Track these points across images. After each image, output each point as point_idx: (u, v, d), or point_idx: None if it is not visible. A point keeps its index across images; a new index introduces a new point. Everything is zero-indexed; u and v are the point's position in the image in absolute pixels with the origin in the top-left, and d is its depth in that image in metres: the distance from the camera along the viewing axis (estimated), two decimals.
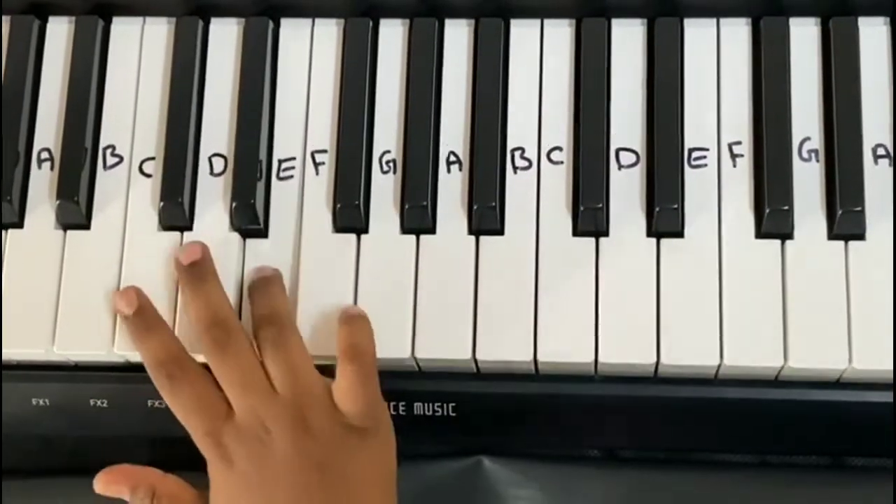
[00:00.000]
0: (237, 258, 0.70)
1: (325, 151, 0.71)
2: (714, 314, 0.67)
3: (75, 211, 0.71)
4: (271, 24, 0.73)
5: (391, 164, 0.71)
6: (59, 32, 0.74)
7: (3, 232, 0.71)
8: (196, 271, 0.68)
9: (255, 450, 0.65)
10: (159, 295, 0.69)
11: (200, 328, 0.67)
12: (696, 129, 0.70)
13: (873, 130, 0.69)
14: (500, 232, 0.69)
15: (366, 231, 0.70)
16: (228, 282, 0.69)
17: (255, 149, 0.71)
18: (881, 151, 0.69)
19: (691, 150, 0.70)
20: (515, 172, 0.70)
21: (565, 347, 0.68)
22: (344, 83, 0.72)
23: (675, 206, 0.68)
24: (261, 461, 0.65)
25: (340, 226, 0.70)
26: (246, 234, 0.71)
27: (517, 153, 0.70)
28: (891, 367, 0.66)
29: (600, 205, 0.68)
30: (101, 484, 0.68)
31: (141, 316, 0.68)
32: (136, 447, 0.75)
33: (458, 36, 0.72)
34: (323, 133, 0.72)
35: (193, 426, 0.67)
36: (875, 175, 0.68)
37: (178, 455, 0.74)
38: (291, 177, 0.71)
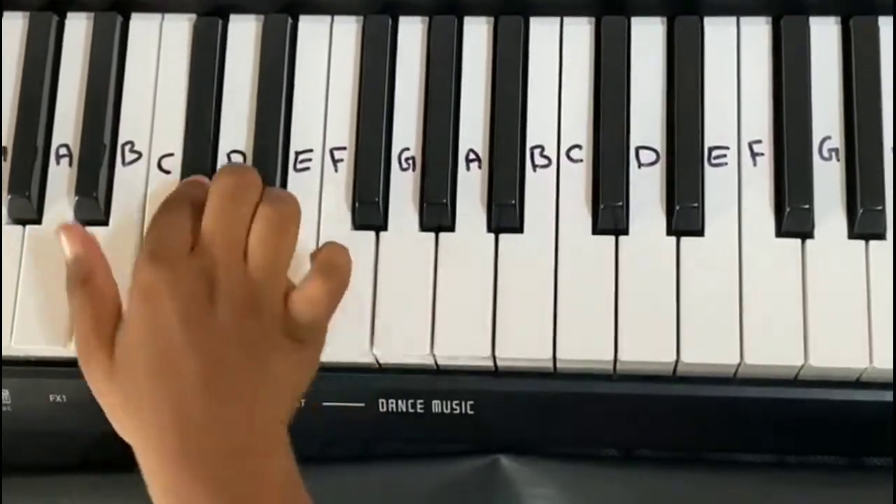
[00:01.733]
0: None
1: (343, 148, 0.71)
2: (734, 313, 0.67)
3: (94, 207, 0.71)
4: (290, 21, 0.73)
5: (410, 162, 0.71)
6: (78, 29, 0.74)
7: (22, 228, 0.71)
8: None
9: (196, 298, 0.62)
10: None
11: (226, 169, 0.65)
12: (717, 127, 0.70)
13: (892, 129, 0.69)
14: (520, 230, 0.69)
15: (385, 228, 0.70)
16: None
17: (275, 146, 0.71)
18: None
19: (711, 149, 0.69)
20: (535, 170, 0.70)
21: (584, 346, 0.68)
22: (363, 80, 0.72)
23: (696, 204, 0.68)
24: (196, 310, 0.62)
25: (359, 223, 0.70)
26: None
27: (537, 151, 0.70)
28: None
29: (620, 203, 0.68)
30: (62, 231, 0.66)
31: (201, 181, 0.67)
32: None
33: (477, 33, 0.72)
34: (342, 130, 0.72)
35: (150, 241, 0.64)
36: (893, 175, 0.68)
37: None
38: (308, 168, 0.71)
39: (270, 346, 0.62)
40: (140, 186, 0.71)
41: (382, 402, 0.70)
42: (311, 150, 0.71)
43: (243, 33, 0.73)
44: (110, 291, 0.65)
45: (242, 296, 0.62)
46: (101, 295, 0.65)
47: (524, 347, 0.68)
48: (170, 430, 0.60)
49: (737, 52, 0.71)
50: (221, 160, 0.72)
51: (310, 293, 0.63)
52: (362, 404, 0.71)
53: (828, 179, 0.68)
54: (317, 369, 0.65)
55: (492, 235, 0.69)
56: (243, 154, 0.72)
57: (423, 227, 0.70)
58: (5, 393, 0.71)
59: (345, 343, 0.68)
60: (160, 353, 0.61)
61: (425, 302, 0.69)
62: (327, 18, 0.73)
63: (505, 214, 0.69)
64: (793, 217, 0.67)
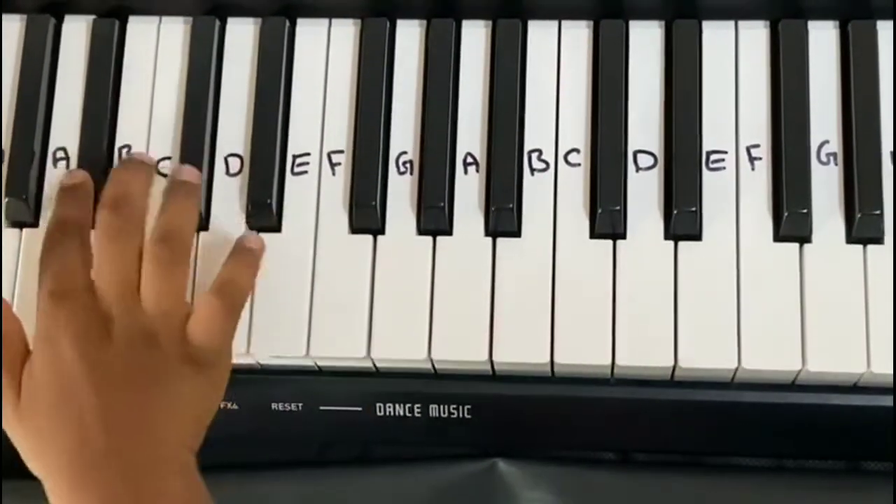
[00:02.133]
0: None
1: (341, 152, 0.71)
2: (732, 317, 0.67)
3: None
4: (288, 24, 0.73)
5: (408, 165, 0.71)
6: (76, 32, 0.74)
7: (19, 231, 0.71)
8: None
9: (93, 334, 0.64)
10: None
11: (107, 207, 0.67)
12: (715, 131, 0.70)
13: (891, 134, 0.69)
14: (517, 234, 0.69)
15: (382, 232, 0.70)
16: None
17: (272, 149, 0.70)
18: None
19: (709, 153, 0.69)
20: (533, 174, 0.70)
21: (582, 350, 0.68)
22: (360, 83, 0.72)
23: (693, 208, 0.68)
24: (93, 347, 0.63)
25: (357, 227, 0.70)
26: (260, 232, 0.71)
27: (534, 155, 0.70)
28: None
29: (618, 207, 0.68)
30: None
31: (75, 191, 0.69)
32: None
33: (475, 37, 0.72)
34: (339, 133, 0.72)
35: (45, 280, 0.65)
36: (892, 179, 0.68)
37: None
38: (306, 172, 0.71)
39: (170, 375, 0.64)
40: None
41: (380, 406, 0.70)
42: (308, 154, 0.71)
43: (241, 36, 0.73)
44: (14, 331, 0.66)
45: (137, 329, 0.64)
46: (7, 336, 0.66)
47: (521, 351, 0.68)
48: (72, 462, 0.62)
49: (735, 56, 0.71)
50: (219, 163, 0.71)
51: (204, 317, 0.65)
52: (360, 408, 0.71)
53: (826, 184, 0.68)
54: (224, 389, 0.66)
55: (489, 239, 0.69)
56: (241, 157, 0.71)
57: (421, 231, 0.70)
58: None
59: (342, 347, 0.68)
60: (61, 390, 0.63)
61: (423, 306, 0.69)
62: (325, 21, 0.73)
63: (503, 218, 0.69)
64: (791, 221, 0.67)
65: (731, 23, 0.71)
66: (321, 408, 0.71)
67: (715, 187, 0.69)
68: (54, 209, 0.69)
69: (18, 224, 0.71)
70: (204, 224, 0.71)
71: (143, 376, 0.64)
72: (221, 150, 0.72)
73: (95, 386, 0.63)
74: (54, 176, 0.72)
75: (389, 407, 0.70)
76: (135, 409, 0.63)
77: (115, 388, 0.63)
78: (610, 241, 0.69)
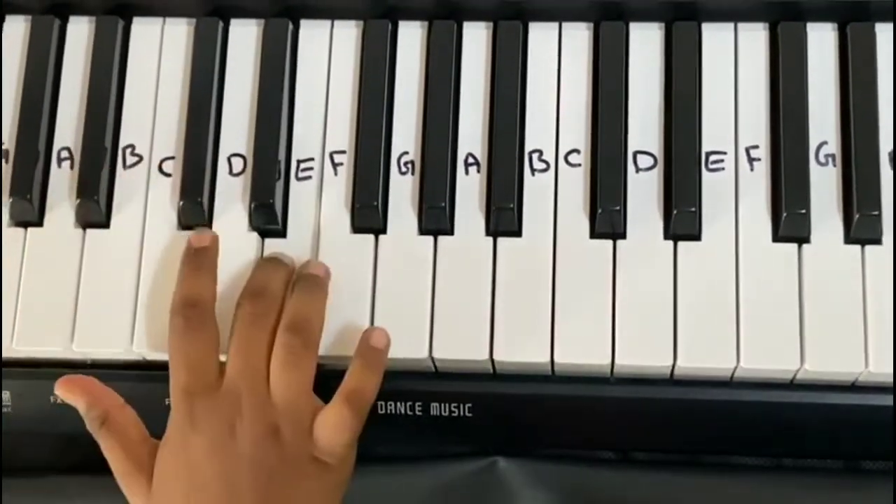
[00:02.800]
0: (255, 258, 0.71)
1: (343, 152, 0.72)
2: (731, 317, 0.67)
3: (95, 210, 0.71)
4: (291, 26, 0.73)
5: (409, 165, 0.71)
6: (80, 32, 0.74)
7: (24, 230, 0.72)
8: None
9: (221, 429, 0.65)
10: None
11: (247, 296, 0.67)
12: (714, 132, 0.70)
13: (889, 135, 0.69)
14: (518, 234, 0.70)
15: (384, 232, 0.70)
16: (246, 279, 0.69)
17: (275, 149, 0.71)
18: None
19: (709, 154, 0.70)
20: (533, 174, 0.70)
21: (582, 349, 0.68)
22: (363, 84, 0.72)
23: (693, 209, 0.68)
24: (221, 442, 0.65)
25: (359, 226, 0.70)
26: (264, 233, 0.71)
27: (535, 155, 0.71)
28: None
29: (618, 207, 0.68)
30: (61, 389, 0.68)
31: (201, 255, 0.69)
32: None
33: (476, 38, 0.73)
34: (342, 134, 0.72)
35: (178, 379, 0.66)
36: (891, 179, 0.69)
37: None
38: (310, 177, 0.72)
39: (293, 473, 0.65)
40: (141, 189, 0.72)
41: (381, 405, 0.70)
42: (310, 154, 0.72)
43: (244, 37, 0.74)
44: (128, 422, 0.67)
45: (265, 424, 0.65)
46: (121, 429, 0.67)
47: (522, 351, 0.68)
48: None
49: (734, 58, 0.71)
50: (222, 164, 0.72)
51: (332, 423, 0.66)
52: None
53: (824, 185, 0.69)
54: (346, 487, 0.67)
55: (490, 239, 0.70)
56: (243, 157, 0.72)
57: (422, 231, 0.70)
58: (6, 395, 0.72)
59: (343, 346, 0.69)
60: (191, 486, 0.64)
61: (424, 305, 0.69)
62: (328, 23, 0.74)
63: (503, 218, 0.69)
64: (789, 222, 0.68)
65: (731, 25, 0.72)
66: None
67: (714, 188, 0.69)
68: (183, 279, 0.68)
69: (23, 224, 0.72)
70: (207, 223, 0.71)
71: (265, 472, 0.64)
72: (224, 150, 0.72)
73: (221, 480, 0.64)
74: (59, 176, 0.72)
75: (390, 405, 0.70)
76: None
77: (239, 483, 0.64)
78: (610, 241, 0.69)
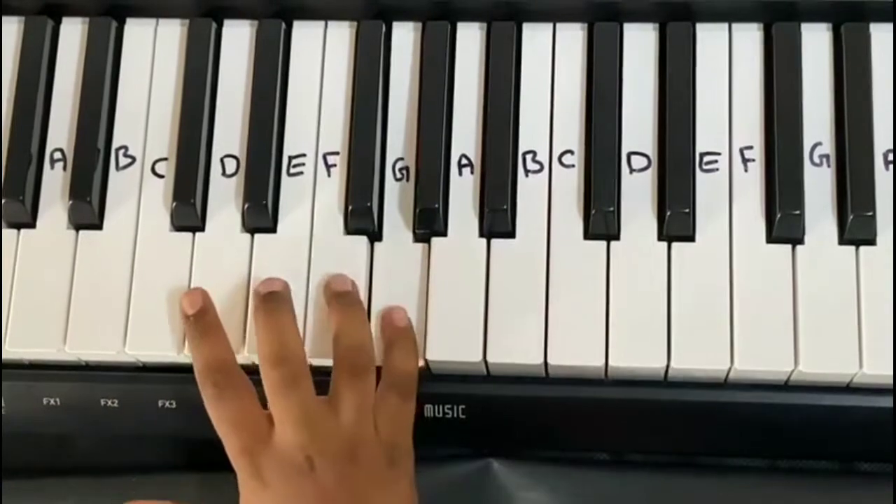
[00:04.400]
0: (247, 258, 0.70)
1: (336, 153, 0.72)
2: (725, 318, 0.67)
3: (88, 211, 0.71)
4: (284, 26, 0.73)
5: (404, 168, 0.71)
6: (73, 33, 0.74)
7: (17, 232, 0.71)
8: (273, 302, 0.68)
9: (293, 476, 0.65)
10: (170, 295, 0.70)
11: (269, 364, 0.67)
12: (708, 133, 0.70)
13: (884, 136, 0.69)
14: (512, 235, 0.70)
15: (378, 233, 0.70)
16: (240, 281, 0.70)
17: (268, 150, 0.71)
18: (892, 157, 0.69)
19: (703, 155, 0.70)
20: (527, 176, 0.70)
21: (576, 350, 0.68)
22: (356, 85, 0.72)
23: (687, 210, 0.68)
24: (299, 486, 0.65)
25: (352, 228, 0.70)
26: (256, 230, 0.71)
27: (529, 156, 0.71)
28: None
29: (612, 208, 0.68)
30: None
31: (201, 319, 0.68)
32: (147, 447, 0.76)
33: (470, 39, 0.73)
34: (335, 135, 0.72)
35: (231, 442, 0.66)
36: (885, 180, 0.69)
37: (187, 455, 0.75)
38: (301, 173, 0.71)
39: (378, 486, 0.65)
40: (134, 191, 0.72)
41: None
42: (304, 155, 0.72)
43: (237, 38, 0.74)
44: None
45: (340, 450, 0.65)
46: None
47: (516, 352, 0.68)
48: None
49: (728, 59, 0.71)
50: (215, 165, 0.72)
51: (390, 411, 0.67)
52: None
53: (818, 185, 0.69)
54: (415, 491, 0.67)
55: (484, 240, 0.70)
56: (237, 158, 0.72)
57: (417, 233, 0.70)
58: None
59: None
60: None
61: (418, 306, 0.69)
62: (321, 24, 0.74)
63: (497, 219, 0.69)
64: (784, 223, 0.68)
65: (725, 25, 0.71)
66: None
67: (708, 189, 0.69)
68: (197, 347, 0.68)
69: (15, 225, 0.72)
70: (200, 224, 0.71)
71: (359, 496, 0.65)
72: (218, 151, 0.72)
73: None
74: (51, 177, 0.72)
75: None
76: None
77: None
78: (604, 242, 0.69)
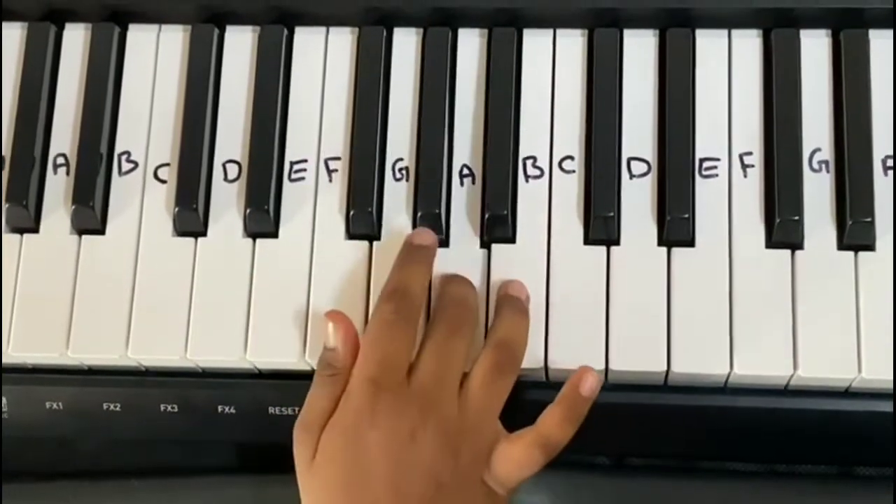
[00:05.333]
0: (249, 262, 0.71)
1: (338, 159, 0.72)
2: (724, 323, 0.68)
3: (90, 216, 0.71)
4: (286, 32, 0.73)
5: (404, 172, 0.71)
6: (76, 39, 0.75)
7: (20, 236, 0.72)
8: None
9: (402, 432, 0.64)
10: (172, 299, 0.70)
11: (448, 303, 0.66)
12: (708, 139, 0.70)
13: (883, 142, 0.69)
14: (512, 240, 0.70)
15: (378, 238, 0.71)
16: (241, 285, 0.70)
17: (270, 156, 0.71)
18: (891, 163, 0.69)
19: (702, 160, 0.70)
20: (527, 181, 0.71)
21: (576, 355, 0.68)
22: (357, 91, 0.72)
23: (686, 215, 0.68)
24: (399, 445, 0.63)
25: (353, 233, 0.71)
26: (257, 235, 0.71)
27: (529, 162, 0.71)
28: None
29: (612, 213, 0.69)
30: (331, 316, 0.67)
31: (423, 252, 0.68)
32: (149, 451, 0.76)
33: (471, 45, 0.73)
34: (336, 140, 0.72)
35: (367, 367, 0.65)
36: (884, 186, 0.69)
37: (190, 459, 0.75)
38: (303, 178, 0.72)
39: (462, 493, 0.64)
40: (136, 196, 0.72)
41: None
42: (305, 160, 0.72)
43: (239, 44, 0.74)
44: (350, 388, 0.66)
45: (448, 435, 0.64)
46: (338, 393, 0.66)
47: None
48: None
49: (728, 65, 0.71)
50: (217, 170, 0.72)
51: (521, 459, 0.65)
52: None
53: (817, 191, 0.69)
54: None
55: (484, 245, 0.70)
56: (239, 164, 0.72)
57: None
58: (1, 401, 0.72)
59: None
60: (359, 478, 0.63)
61: None
62: (322, 29, 0.74)
63: (497, 225, 0.69)
64: (783, 228, 0.68)
65: (725, 32, 0.72)
66: None
67: (708, 194, 0.69)
68: (400, 268, 0.67)
69: (18, 230, 0.72)
70: (202, 229, 0.71)
71: (439, 489, 0.63)
72: (220, 156, 0.72)
73: (390, 483, 0.63)
74: (54, 182, 0.72)
75: None
76: None
77: (408, 488, 0.63)
78: (604, 248, 0.69)
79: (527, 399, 0.69)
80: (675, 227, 0.68)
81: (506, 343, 0.66)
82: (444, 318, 0.66)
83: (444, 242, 0.70)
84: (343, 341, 0.66)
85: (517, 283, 0.68)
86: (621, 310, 0.68)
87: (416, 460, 0.63)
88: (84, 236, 0.72)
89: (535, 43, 0.73)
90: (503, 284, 0.69)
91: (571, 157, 0.71)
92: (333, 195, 0.71)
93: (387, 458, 0.63)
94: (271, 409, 0.71)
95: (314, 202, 0.71)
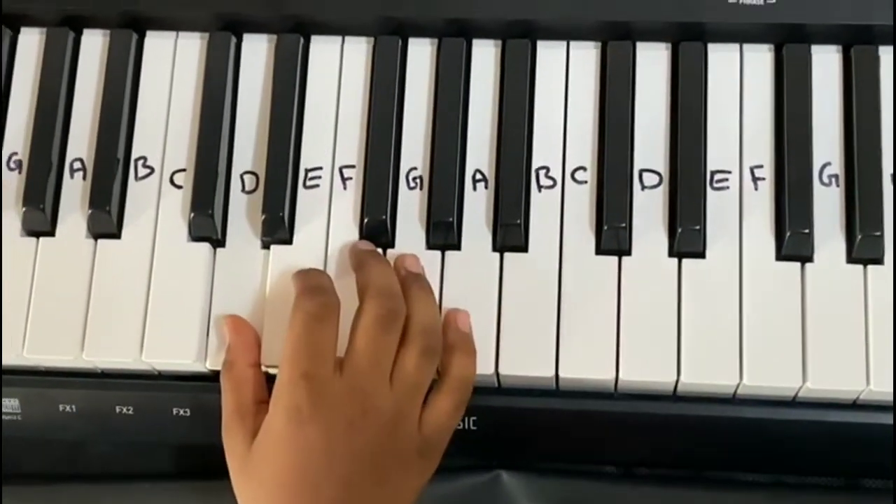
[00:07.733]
0: (263, 268, 0.71)
1: (353, 167, 0.72)
2: (734, 334, 0.68)
3: (106, 220, 0.72)
4: (302, 41, 0.74)
5: (418, 181, 0.72)
6: (94, 45, 0.75)
7: (36, 240, 0.72)
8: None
9: (339, 423, 0.64)
10: (187, 306, 0.71)
11: (382, 296, 0.67)
12: (719, 151, 0.71)
13: (892, 156, 0.70)
14: (525, 249, 0.70)
15: (392, 246, 0.71)
16: (256, 292, 0.71)
17: (285, 163, 0.72)
18: None
19: (713, 173, 0.71)
20: (540, 191, 0.71)
21: (586, 364, 0.69)
22: (372, 100, 0.73)
23: (698, 227, 0.69)
24: (338, 436, 0.64)
25: (367, 240, 0.71)
26: (273, 242, 0.72)
27: (542, 172, 0.71)
28: None
29: (623, 224, 0.69)
30: (227, 320, 0.70)
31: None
32: (161, 454, 0.76)
33: (485, 56, 0.73)
34: (351, 148, 0.73)
35: (298, 361, 0.65)
36: (893, 200, 0.69)
37: (200, 463, 0.76)
38: (318, 185, 0.72)
39: (398, 466, 0.65)
40: (152, 201, 0.73)
41: None
42: (320, 168, 0.73)
43: (256, 52, 0.75)
44: (250, 380, 0.68)
45: (385, 421, 0.65)
46: (238, 383, 0.68)
47: (527, 365, 0.69)
48: None
49: (739, 79, 0.72)
50: (234, 177, 0.73)
51: (445, 407, 0.67)
52: None
53: (827, 205, 0.70)
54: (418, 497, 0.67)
55: (497, 254, 0.70)
56: (255, 174, 0.73)
57: (430, 245, 0.71)
58: (15, 402, 0.72)
59: None
60: (301, 472, 0.64)
61: None
62: (338, 39, 0.75)
63: (510, 234, 0.70)
64: (793, 241, 0.69)
65: (737, 46, 0.72)
66: None
67: (719, 206, 0.70)
68: (304, 274, 0.69)
69: (35, 233, 0.73)
70: (218, 235, 0.72)
71: (377, 467, 0.65)
72: (236, 163, 0.73)
73: (333, 474, 0.64)
74: (71, 186, 0.73)
75: None
76: (362, 497, 0.64)
77: (350, 477, 0.64)
78: (615, 258, 0.70)
79: (539, 408, 0.70)
80: (686, 239, 0.69)
81: (431, 326, 0.67)
82: (372, 307, 0.67)
83: (457, 246, 0.71)
84: (235, 332, 0.69)
85: (409, 257, 0.70)
86: (632, 320, 0.69)
87: (356, 449, 0.64)
88: (100, 240, 0.72)
89: (549, 55, 0.73)
90: (398, 259, 0.70)
91: (584, 168, 0.71)
92: (347, 203, 0.72)
93: (328, 450, 0.64)
94: None
95: (328, 209, 0.72)
